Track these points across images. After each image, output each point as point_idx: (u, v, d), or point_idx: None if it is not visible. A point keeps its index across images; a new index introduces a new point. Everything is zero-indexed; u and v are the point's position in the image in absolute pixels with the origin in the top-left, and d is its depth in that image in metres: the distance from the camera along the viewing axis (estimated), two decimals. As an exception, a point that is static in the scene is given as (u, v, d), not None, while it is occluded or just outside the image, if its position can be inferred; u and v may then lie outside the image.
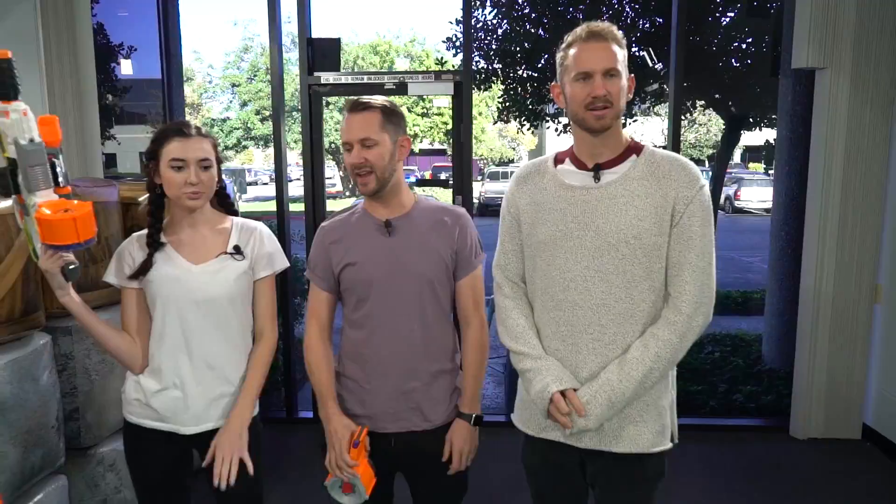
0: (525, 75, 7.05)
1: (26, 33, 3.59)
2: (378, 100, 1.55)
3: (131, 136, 6.89)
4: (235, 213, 1.69)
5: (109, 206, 2.31)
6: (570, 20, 6.96)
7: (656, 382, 1.36)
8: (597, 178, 1.38)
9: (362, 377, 1.61)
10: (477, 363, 1.63)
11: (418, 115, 20.70)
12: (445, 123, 20.54)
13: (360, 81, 3.41)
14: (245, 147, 22.15)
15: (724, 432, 3.45)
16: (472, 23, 7.50)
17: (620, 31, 1.38)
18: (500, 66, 6.91)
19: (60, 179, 1.36)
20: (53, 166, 1.34)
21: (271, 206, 4.07)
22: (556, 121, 7.62)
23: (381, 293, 1.56)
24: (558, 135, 7.65)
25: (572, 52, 1.35)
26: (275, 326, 1.69)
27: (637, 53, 6.68)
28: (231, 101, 21.72)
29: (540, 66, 7.10)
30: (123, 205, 2.44)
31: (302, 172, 3.45)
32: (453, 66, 7.35)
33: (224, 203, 1.68)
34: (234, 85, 21.35)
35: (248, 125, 20.74)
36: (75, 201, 1.34)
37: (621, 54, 1.34)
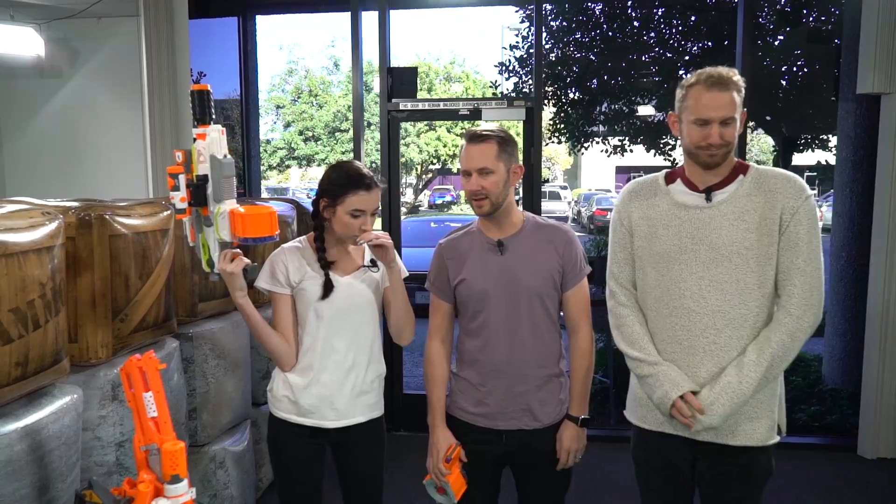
0: (575, 98, 7.22)
1: (129, 58, 3.87)
2: (495, 130, 1.71)
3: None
4: None
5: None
6: (620, 45, 7.14)
7: (772, 381, 1.50)
8: (708, 198, 1.53)
9: (478, 380, 1.77)
10: (584, 368, 1.77)
11: (457, 134, 20.99)
12: (487, 144, 20.74)
13: (436, 108, 3.61)
14: (288, 166, 22.72)
15: (791, 450, 3.49)
16: (523, 47, 7.76)
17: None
18: (551, 89, 7.09)
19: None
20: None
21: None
22: (605, 142, 7.75)
23: (495, 305, 1.72)
24: (608, 156, 7.78)
25: (693, 93, 1.49)
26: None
27: (685, 76, 6.83)
28: (275, 122, 22.36)
29: (590, 88, 7.27)
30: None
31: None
32: (505, 91, 7.56)
33: None
34: (278, 107, 21.99)
35: (292, 145, 21.30)
36: (258, 204, 1.57)
37: (739, 99, 1.48)
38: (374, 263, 1.79)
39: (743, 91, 1.49)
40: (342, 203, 1.70)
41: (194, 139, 1.52)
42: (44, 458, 1.53)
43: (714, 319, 1.50)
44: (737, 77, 1.49)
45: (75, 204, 1.86)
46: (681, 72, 6.95)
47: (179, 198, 1.53)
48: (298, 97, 21.91)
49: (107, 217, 1.81)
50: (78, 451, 1.69)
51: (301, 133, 21.42)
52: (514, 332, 1.73)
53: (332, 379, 1.76)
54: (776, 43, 6.40)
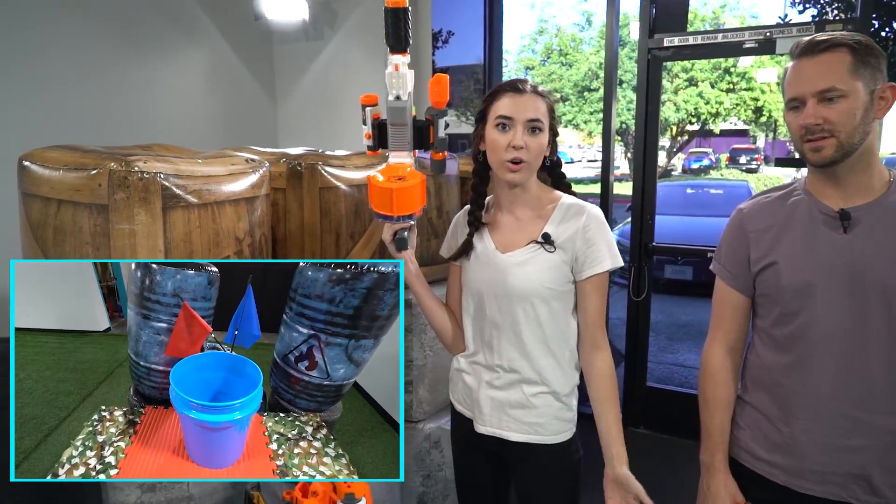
0: (886, 34, 5.59)
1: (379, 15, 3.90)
2: (844, 35, 1.11)
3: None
4: (568, 190, 1.40)
5: (451, 179, 2.27)
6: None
7: None
8: None
9: (776, 415, 1.22)
10: None
11: (722, 90, 18.65)
12: (755, 100, 18.15)
13: (711, 41, 2.89)
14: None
15: None
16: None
17: None
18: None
19: (435, 142, 1.28)
20: (424, 127, 1.25)
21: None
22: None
23: (825, 308, 1.14)
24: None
25: None
26: (605, 336, 1.36)
27: None
28: (526, 84, 22.37)
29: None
30: (461, 179, 2.39)
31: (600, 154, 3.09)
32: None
33: (558, 182, 1.41)
34: (528, 68, 21.87)
35: (539, 107, 21.11)
36: (409, 170, 1.26)
37: None
38: (548, 240, 1.30)
39: None
40: (488, 117, 1.30)
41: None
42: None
43: None
44: None
45: (294, 152, 1.71)
46: None
47: (365, 133, 1.31)
48: (548, 57, 21.51)
49: (318, 167, 1.62)
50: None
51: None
52: (854, 354, 1.14)
53: (481, 375, 1.40)
54: None
